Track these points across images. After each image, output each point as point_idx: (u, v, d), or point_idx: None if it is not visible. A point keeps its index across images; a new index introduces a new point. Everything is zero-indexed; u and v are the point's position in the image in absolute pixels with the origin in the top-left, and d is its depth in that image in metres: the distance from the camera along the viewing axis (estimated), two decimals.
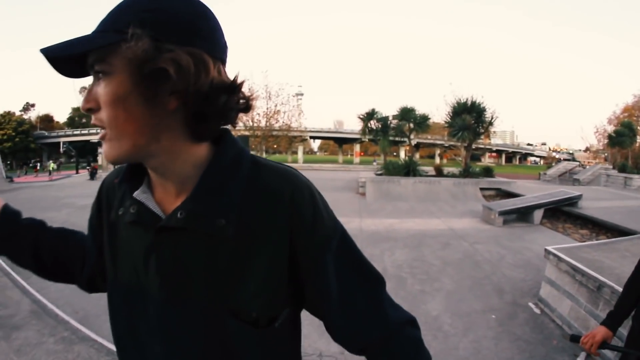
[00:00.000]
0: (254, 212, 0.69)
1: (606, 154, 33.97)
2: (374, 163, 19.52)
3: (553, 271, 4.12)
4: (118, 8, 0.61)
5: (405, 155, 20.18)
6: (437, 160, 56.39)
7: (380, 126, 17.48)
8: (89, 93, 0.62)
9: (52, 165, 32.02)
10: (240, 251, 0.69)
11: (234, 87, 0.66)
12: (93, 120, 0.64)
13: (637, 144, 30.30)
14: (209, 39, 0.63)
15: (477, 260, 6.06)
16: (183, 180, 0.70)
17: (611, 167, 26.04)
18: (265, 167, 0.74)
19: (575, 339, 1.52)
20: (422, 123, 17.04)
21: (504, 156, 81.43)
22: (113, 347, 2.99)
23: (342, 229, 0.79)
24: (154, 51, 0.57)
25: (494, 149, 75.91)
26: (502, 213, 8.64)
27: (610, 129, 32.46)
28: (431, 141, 51.04)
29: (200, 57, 0.60)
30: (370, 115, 17.58)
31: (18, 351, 2.87)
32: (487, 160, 69.27)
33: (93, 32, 0.61)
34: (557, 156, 66.13)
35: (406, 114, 16.76)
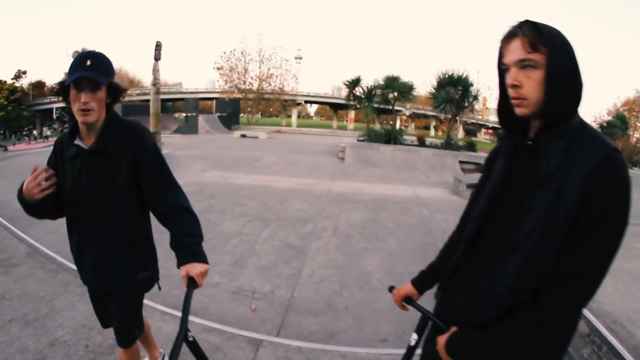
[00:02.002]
0: (122, 141, 1.63)
1: None
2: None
3: None
4: (104, 65, 1.56)
5: (402, 124, 20.16)
6: (432, 131, 56.22)
7: (364, 93, 17.37)
8: (87, 96, 1.51)
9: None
10: (118, 160, 1.63)
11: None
12: (87, 106, 1.51)
13: (633, 139, 30.49)
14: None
15: (430, 227, 6.23)
16: (96, 131, 1.62)
17: None
18: (127, 121, 1.71)
19: (391, 289, 1.50)
20: (406, 92, 16.94)
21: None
22: None
23: (156, 151, 1.69)
24: (116, 84, 1.62)
25: (490, 125, 75.51)
26: (470, 186, 8.76)
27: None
28: (423, 112, 50.71)
29: (119, 83, 1.65)
30: (355, 82, 17.44)
31: (15, 281, 3.63)
32: (482, 137, 68.97)
33: (101, 74, 1.53)
34: None
35: (391, 82, 16.65)
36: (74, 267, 1.83)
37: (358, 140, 16.18)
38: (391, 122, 20.16)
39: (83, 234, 1.71)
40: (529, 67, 1.01)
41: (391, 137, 14.93)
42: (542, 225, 1.01)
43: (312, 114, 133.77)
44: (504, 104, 1.12)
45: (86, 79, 1.50)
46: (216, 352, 2.59)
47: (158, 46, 10.34)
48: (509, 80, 1.05)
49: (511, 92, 1.05)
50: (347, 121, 62.73)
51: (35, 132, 40.38)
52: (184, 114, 29.23)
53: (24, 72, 63.20)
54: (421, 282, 1.48)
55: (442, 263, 1.41)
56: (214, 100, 43.34)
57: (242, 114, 41.27)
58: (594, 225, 0.97)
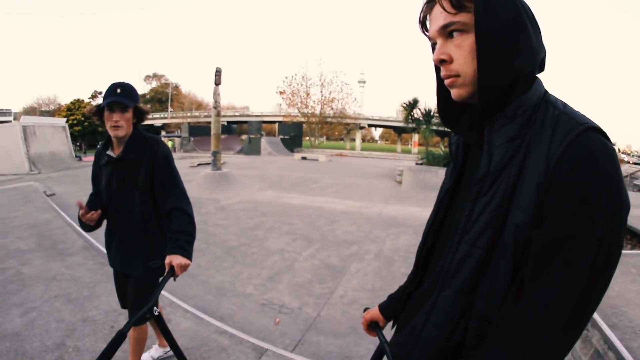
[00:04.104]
0: (142, 151, 2.02)
1: None
2: None
3: None
4: (130, 92, 2.00)
5: None
6: None
7: (423, 115, 17.09)
8: (118, 115, 1.95)
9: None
10: (138, 166, 2.02)
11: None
12: (117, 123, 1.96)
13: None
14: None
15: None
16: (123, 143, 2.03)
17: None
18: (148, 136, 2.09)
19: (365, 310, 1.34)
20: None
21: None
22: None
23: (167, 160, 2.06)
24: (141, 107, 2.05)
25: None
26: None
27: None
28: None
29: (143, 107, 2.08)
30: (412, 104, 17.22)
31: (68, 267, 4.37)
32: None
33: (129, 99, 1.98)
34: (625, 159, 59.33)
35: None
36: None
37: (416, 164, 15.89)
38: None
39: (112, 224, 2.14)
40: (456, 33, 0.77)
41: (449, 160, 14.50)
42: (482, 247, 0.77)
43: (376, 137, 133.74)
44: (444, 93, 0.88)
45: (117, 103, 1.96)
46: (221, 353, 2.77)
47: (218, 72, 11.01)
48: (434, 55, 0.81)
49: (442, 72, 0.82)
50: (411, 145, 61.95)
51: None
52: (249, 136, 30.56)
53: (100, 93, 70.84)
54: (388, 307, 1.20)
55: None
56: (277, 124, 44.98)
57: (306, 137, 42.35)
58: (558, 250, 0.67)
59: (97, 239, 5.21)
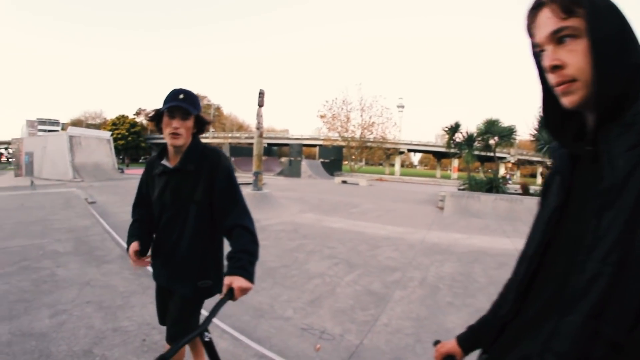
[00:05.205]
0: (202, 163, 1.86)
1: None
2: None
3: None
4: (193, 99, 1.86)
5: (506, 172, 18.97)
6: (539, 179, 51.69)
7: (464, 139, 16.67)
8: (178, 122, 1.82)
9: None
10: (197, 179, 1.86)
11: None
12: (177, 131, 1.83)
13: None
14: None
15: None
16: (181, 153, 1.89)
17: None
18: (207, 147, 1.94)
19: (436, 344, 1.26)
20: (506, 136, 15.56)
21: None
22: None
23: (229, 174, 1.90)
24: (202, 117, 1.93)
25: None
26: None
27: None
28: (527, 158, 46.82)
29: (205, 116, 1.95)
30: (454, 128, 16.84)
31: (103, 274, 4.40)
32: None
33: (191, 106, 1.83)
34: None
35: (490, 126, 15.67)
36: None
37: (458, 189, 15.50)
38: (493, 170, 18.87)
39: (161, 237, 1.97)
40: (568, 38, 0.76)
41: (493, 186, 14.04)
42: (613, 263, 0.71)
43: (415, 162, 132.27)
44: (550, 102, 0.87)
45: (179, 109, 1.81)
46: None
47: (261, 94, 11.33)
48: (546, 62, 0.80)
49: (553, 79, 0.80)
50: (450, 170, 60.69)
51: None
52: (289, 158, 31.07)
53: (144, 110, 74.51)
54: (467, 340, 1.13)
55: (495, 317, 1.06)
56: (318, 147, 45.41)
57: (346, 162, 42.49)
58: None
59: None
